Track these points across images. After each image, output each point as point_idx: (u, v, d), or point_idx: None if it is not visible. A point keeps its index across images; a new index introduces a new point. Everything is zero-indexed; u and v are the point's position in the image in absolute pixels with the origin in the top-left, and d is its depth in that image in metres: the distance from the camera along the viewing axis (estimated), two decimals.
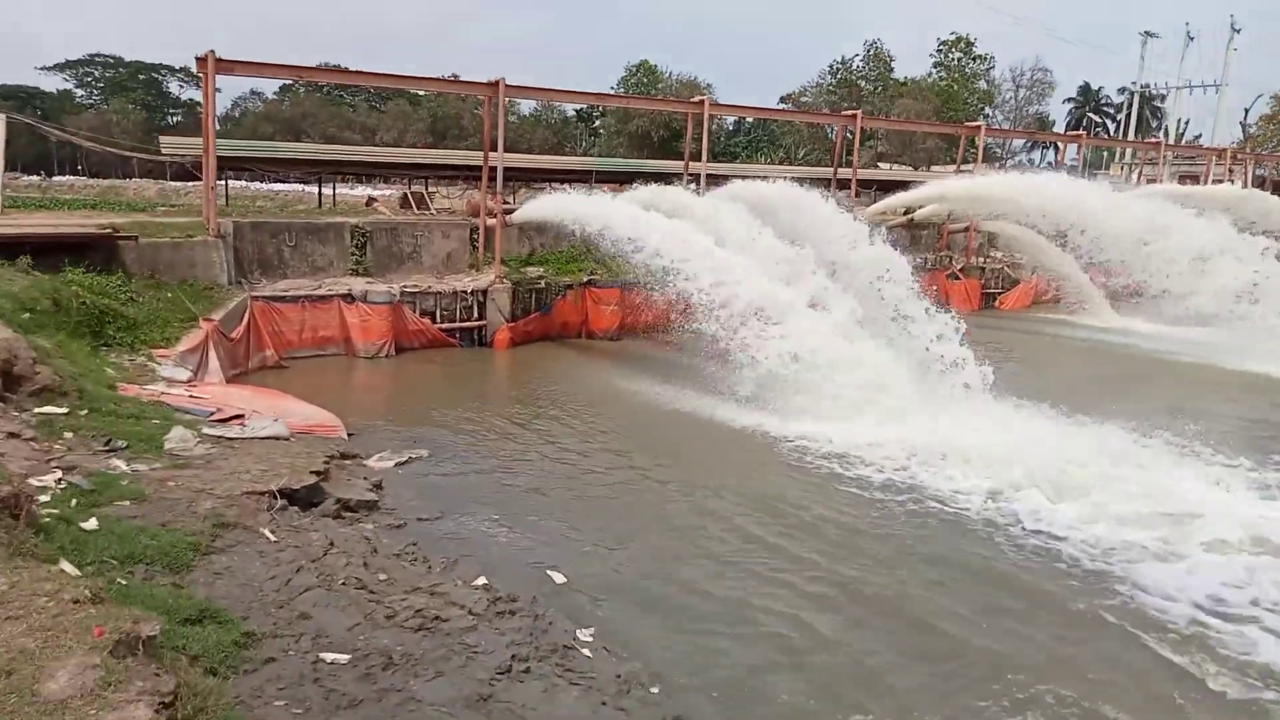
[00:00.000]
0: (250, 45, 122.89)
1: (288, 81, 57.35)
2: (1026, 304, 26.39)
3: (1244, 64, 69.26)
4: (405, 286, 16.55)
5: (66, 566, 4.45)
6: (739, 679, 5.60)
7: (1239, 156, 40.07)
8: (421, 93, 60.14)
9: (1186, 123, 59.91)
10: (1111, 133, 65.86)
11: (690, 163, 21.83)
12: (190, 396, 10.23)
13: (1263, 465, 10.36)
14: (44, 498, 5.72)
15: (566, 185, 19.50)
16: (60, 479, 6.30)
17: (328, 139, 52.25)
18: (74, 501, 5.96)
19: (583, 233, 15.92)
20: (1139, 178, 38.62)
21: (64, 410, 8.07)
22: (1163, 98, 60.65)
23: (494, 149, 17.94)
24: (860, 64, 56.53)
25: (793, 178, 17.59)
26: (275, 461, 7.99)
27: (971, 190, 22.18)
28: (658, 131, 54.71)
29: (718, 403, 12.62)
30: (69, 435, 7.55)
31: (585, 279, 18.53)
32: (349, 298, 15.75)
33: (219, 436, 8.60)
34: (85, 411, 8.26)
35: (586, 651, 5.60)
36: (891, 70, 56.86)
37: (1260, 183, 41.29)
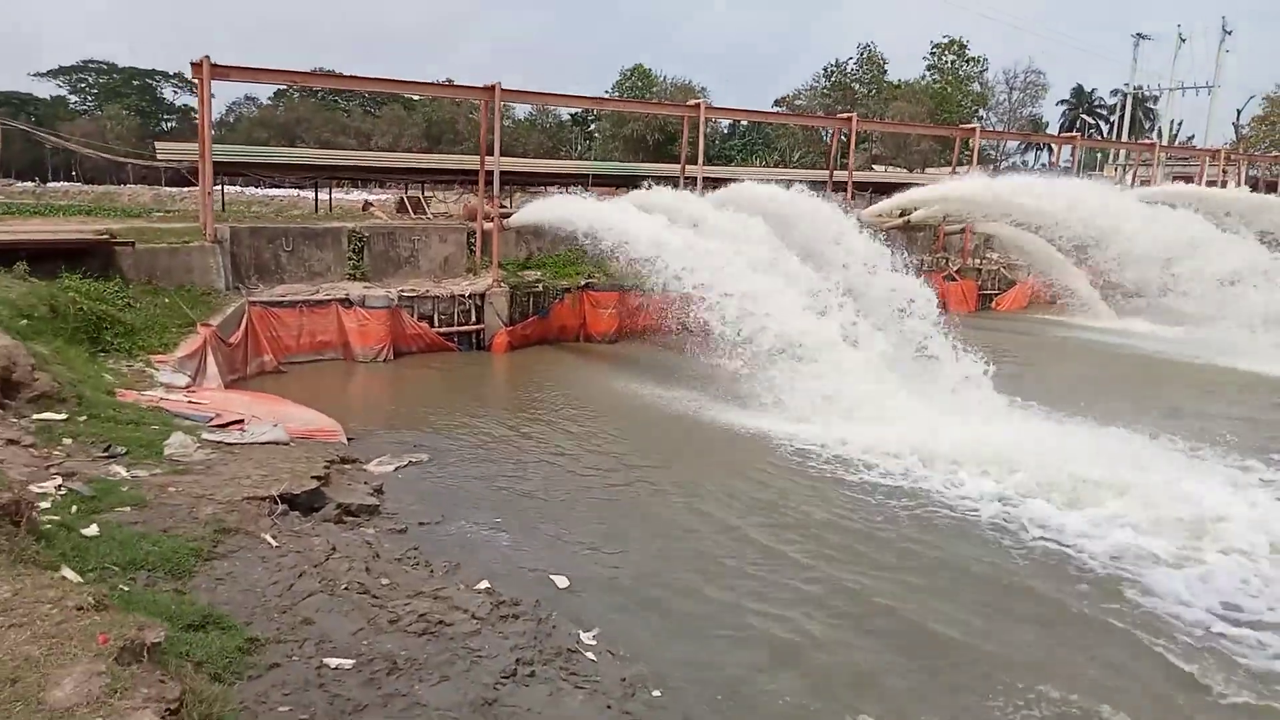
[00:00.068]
0: (249, 45, 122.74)
1: (282, 87, 57.29)
2: (1023, 305, 26.47)
3: (1236, 65, 69.47)
4: (403, 291, 16.53)
5: (68, 573, 4.43)
6: (741, 681, 5.59)
7: (1232, 157, 40.27)
8: (417, 97, 60.19)
9: (1179, 124, 60.34)
10: (1105, 134, 66.15)
11: (686, 166, 21.85)
12: (189, 402, 10.19)
13: (1277, 467, 10.14)
14: (44, 504, 5.69)
15: (563, 188, 19.51)
16: (60, 485, 6.27)
17: (322, 144, 52.23)
18: (74, 508, 5.94)
19: (595, 248, 15.35)
20: (1133, 179, 38.79)
21: (63, 416, 8.04)
22: (1155, 99, 60.99)
23: (490, 153, 17.94)
24: (854, 67, 56.71)
25: (789, 180, 17.63)
26: (275, 466, 7.97)
27: (997, 194, 21.02)
28: (653, 135, 54.77)
29: (717, 405, 12.63)
30: (68, 441, 7.51)
31: (583, 282, 18.55)
32: (347, 302, 15.73)
33: (219, 442, 8.57)
34: (84, 418, 8.22)
35: (590, 655, 5.59)
36: (885, 73, 57.05)
37: (1253, 183, 41.52)
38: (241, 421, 9.50)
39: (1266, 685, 5.73)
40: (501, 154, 18.46)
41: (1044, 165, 53.80)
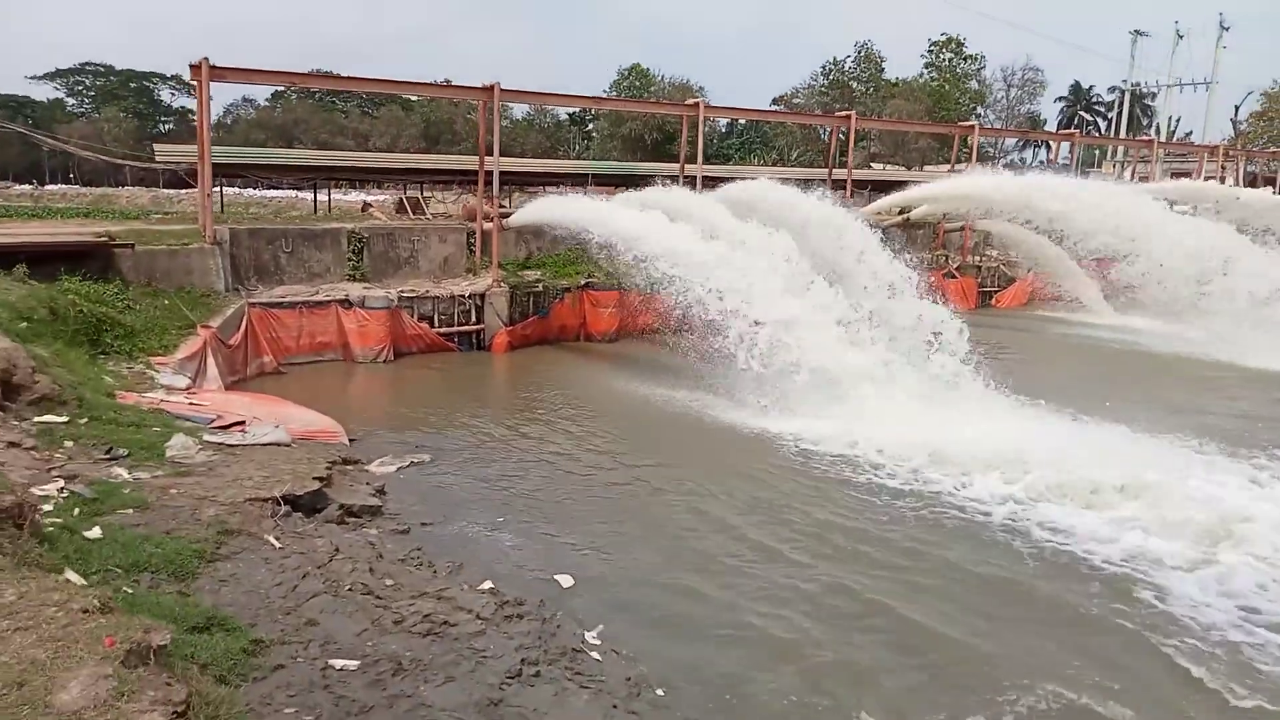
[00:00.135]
0: (248, 45, 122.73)
1: (280, 88, 57.21)
2: (1023, 302, 26.46)
3: (1234, 62, 69.58)
4: (403, 291, 16.52)
5: (72, 576, 4.42)
6: (744, 680, 5.58)
7: (1230, 153, 40.31)
8: (415, 98, 60.16)
9: (1177, 120, 60.32)
10: (1103, 131, 66.16)
11: (685, 165, 21.83)
12: (190, 404, 10.18)
13: None
14: (47, 507, 5.68)
15: (561, 188, 19.48)
16: (62, 488, 6.26)
17: (320, 145, 52.20)
18: (77, 510, 5.93)
19: (610, 255, 14.60)
20: (1132, 175, 38.80)
21: (64, 419, 8.03)
22: (1153, 96, 60.97)
23: (490, 153, 17.92)
24: (851, 65, 56.71)
25: (787, 178, 17.61)
26: (277, 468, 7.96)
27: (1025, 194, 20.05)
28: (651, 134, 54.80)
29: (718, 403, 12.61)
30: (69, 444, 7.50)
31: (583, 282, 18.53)
32: (346, 303, 15.71)
33: (220, 443, 8.56)
34: (85, 420, 8.21)
35: (595, 654, 5.58)
36: (883, 71, 57.08)
37: (1252, 179, 41.56)
38: (243, 423, 9.48)
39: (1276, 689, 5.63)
40: (500, 154, 18.45)
41: (1042, 162, 53.82)
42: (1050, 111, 71.87)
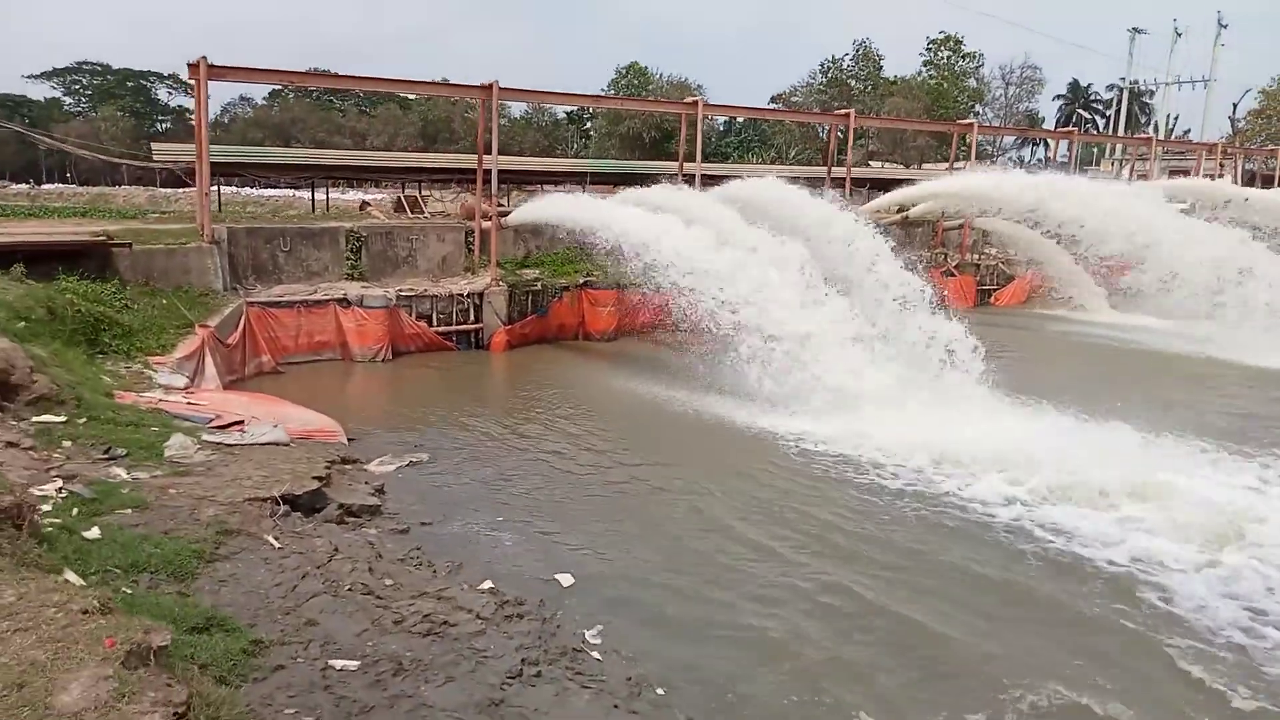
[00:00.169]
0: (248, 45, 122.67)
1: (277, 87, 57.14)
2: (1022, 300, 26.46)
3: (1232, 60, 69.62)
4: (401, 290, 16.49)
5: (71, 576, 4.41)
6: (744, 680, 5.57)
7: (1229, 151, 40.34)
8: (412, 97, 60.11)
9: (1176, 118, 60.41)
10: (1101, 129, 66.18)
11: (683, 163, 21.81)
12: (188, 403, 10.15)
13: None
14: (46, 507, 5.66)
15: (560, 186, 19.44)
16: (61, 488, 6.24)
17: (317, 144, 52.16)
18: (75, 510, 5.91)
19: (624, 260, 14.04)
20: (1130, 173, 38.81)
21: (62, 419, 8.00)
22: (1151, 94, 61.06)
23: (489, 152, 17.89)
24: (850, 63, 56.70)
25: (787, 177, 17.59)
26: (276, 468, 7.94)
27: (1040, 196, 19.49)
28: (649, 133, 54.75)
29: (718, 402, 12.60)
30: (68, 444, 7.48)
31: (582, 280, 18.51)
32: (345, 302, 15.68)
33: (219, 443, 8.54)
34: (83, 420, 8.18)
35: (596, 654, 5.57)
36: (881, 69, 57.07)
37: (1250, 177, 41.60)
38: (241, 422, 9.46)
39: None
40: (498, 153, 18.42)
41: (1040, 160, 53.88)
42: (1049, 109, 72.08)
